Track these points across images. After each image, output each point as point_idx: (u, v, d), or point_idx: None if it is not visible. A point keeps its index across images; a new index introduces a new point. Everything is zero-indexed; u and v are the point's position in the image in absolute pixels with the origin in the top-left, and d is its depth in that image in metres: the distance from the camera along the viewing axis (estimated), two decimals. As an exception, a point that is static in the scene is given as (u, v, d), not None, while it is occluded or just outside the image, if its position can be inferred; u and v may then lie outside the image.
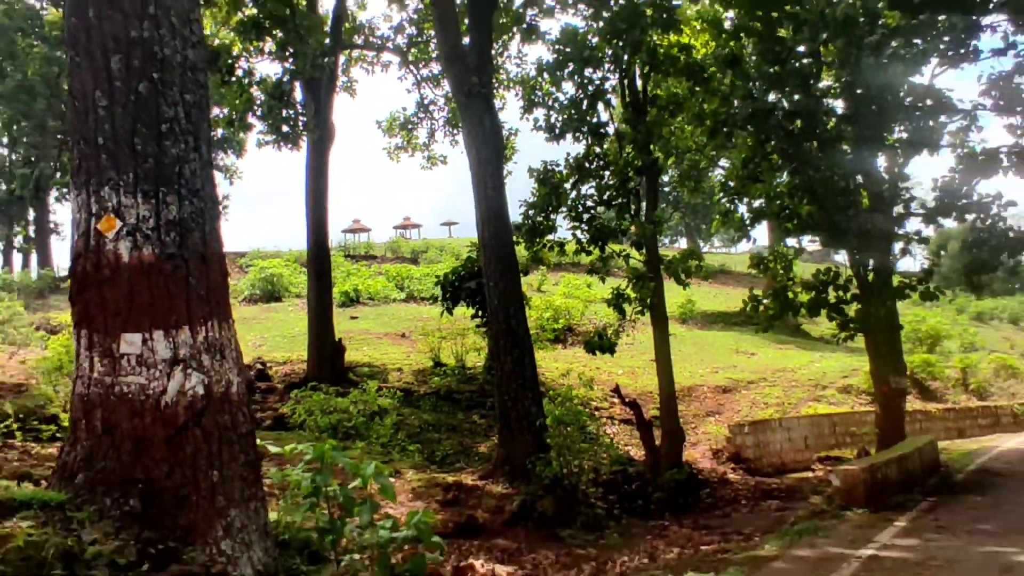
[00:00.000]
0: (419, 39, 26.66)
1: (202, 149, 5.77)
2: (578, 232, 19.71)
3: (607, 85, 20.31)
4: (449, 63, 18.39)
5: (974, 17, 17.28)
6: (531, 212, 19.46)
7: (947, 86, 17.89)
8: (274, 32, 22.17)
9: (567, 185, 19.61)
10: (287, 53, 21.92)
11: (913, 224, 19.13)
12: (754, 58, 18.45)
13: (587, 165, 19.66)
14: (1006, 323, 49.44)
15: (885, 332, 18.42)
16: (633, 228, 19.74)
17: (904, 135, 18.40)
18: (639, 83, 20.03)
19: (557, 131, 19.79)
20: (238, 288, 36.47)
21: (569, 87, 20.14)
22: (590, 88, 19.69)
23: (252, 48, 23.12)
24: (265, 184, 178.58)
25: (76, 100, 5.59)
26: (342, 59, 26.83)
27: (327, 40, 22.48)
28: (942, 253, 25.94)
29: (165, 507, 5.14)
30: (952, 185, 18.53)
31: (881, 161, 19.00)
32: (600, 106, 19.99)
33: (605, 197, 19.84)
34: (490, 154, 17.68)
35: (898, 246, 19.11)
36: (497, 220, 17.47)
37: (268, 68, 24.41)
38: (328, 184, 23.83)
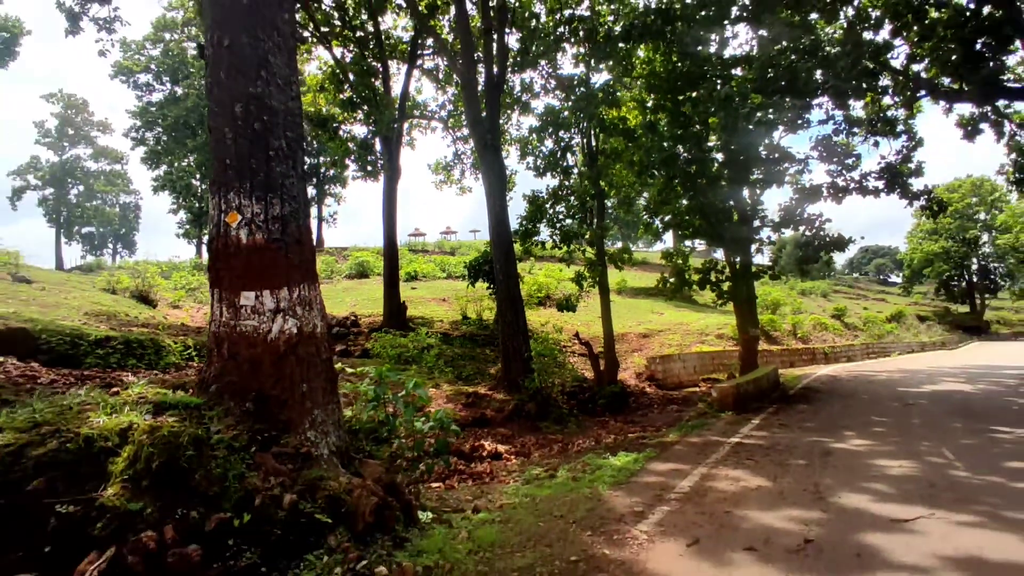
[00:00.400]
0: (455, 112, 26.00)
1: (298, 168, 5.28)
2: (553, 235, 19.16)
3: (573, 142, 19.69)
4: (473, 126, 17.83)
5: (807, 100, 16.73)
6: (524, 222, 19.00)
7: (789, 144, 17.44)
8: (362, 107, 21.66)
9: (547, 205, 19.06)
10: (371, 120, 21.42)
11: (765, 232, 18.74)
12: (666, 125, 17.84)
13: (560, 193, 19.12)
14: (819, 296, 49.05)
15: (746, 300, 18.06)
16: (588, 233, 19.25)
17: (760, 176, 17.87)
18: (593, 141, 19.49)
19: (541, 171, 19.23)
20: (341, 269, 36.01)
21: (549, 143, 19.59)
22: (562, 144, 19.17)
23: (349, 116, 22.55)
24: (360, 204, 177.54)
25: (213, 133, 5.12)
26: (406, 125, 26.23)
27: (396, 112, 21.84)
28: (782, 251, 25.52)
29: (271, 408, 4.73)
30: (791, 208, 18.09)
31: (746, 192, 18.48)
32: (568, 155, 19.38)
33: (571, 213, 19.33)
34: (497, 184, 17.18)
35: (754, 247, 18.71)
36: (501, 226, 16.99)
37: (359, 130, 23.77)
38: (396, 204, 23.28)
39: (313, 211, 48.12)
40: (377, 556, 4.14)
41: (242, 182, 4.88)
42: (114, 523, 3.53)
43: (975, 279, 56.22)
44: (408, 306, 23.20)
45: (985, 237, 54.76)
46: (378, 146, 23.43)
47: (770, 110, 16.07)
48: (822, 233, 17.75)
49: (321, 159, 36.13)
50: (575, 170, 19.81)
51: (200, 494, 3.86)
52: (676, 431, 11.07)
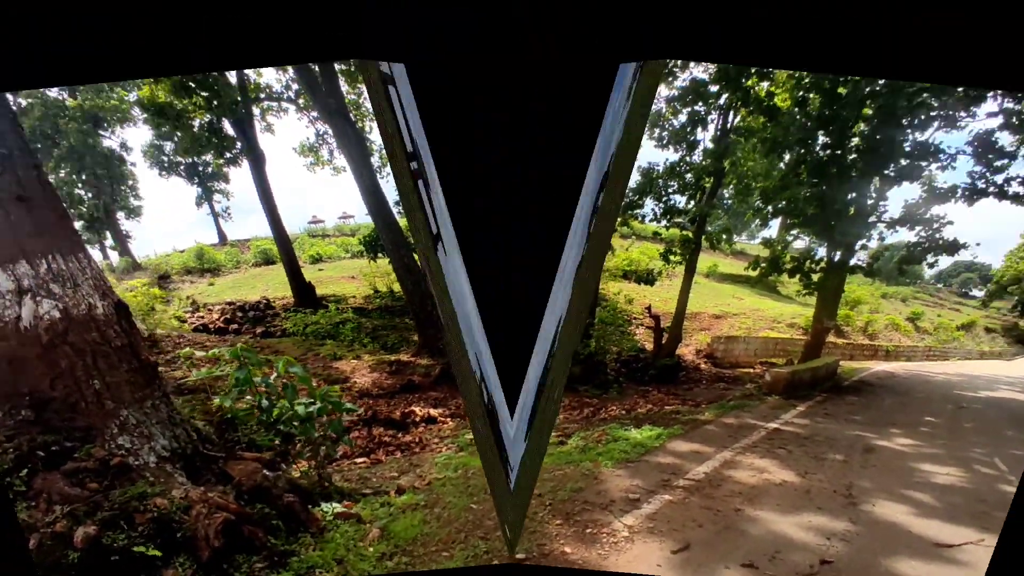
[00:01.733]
0: (305, 92, 23.79)
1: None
2: (655, 208, 18.72)
3: (709, 117, 18.52)
4: (310, 92, 16.97)
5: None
6: (630, 194, 18.26)
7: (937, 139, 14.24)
8: (199, 92, 19.74)
9: (659, 179, 18.23)
10: (212, 105, 20.28)
11: (878, 230, 17.25)
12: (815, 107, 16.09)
13: (677, 168, 18.34)
14: (898, 300, 45.31)
15: (832, 293, 17.79)
16: (694, 210, 18.83)
17: (894, 172, 15.57)
18: (730, 115, 18.68)
19: (665, 143, 18.56)
20: (247, 258, 36.30)
21: (683, 116, 18.39)
22: (697, 117, 17.97)
23: (189, 103, 20.43)
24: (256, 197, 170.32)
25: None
26: (257, 110, 24.87)
27: (238, 94, 20.79)
28: (884, 253, 22.85)
29: (58, 413, 3.83)
30: (914, 207, 16.48)
31: (872, 186, 16.73)
32: (699, 129, 18.40)
33: (681, 189, 18.43)
34: (358, 153, 16.22)
35: (859, 244, 17.56)
36: (374, 195, 16.18)
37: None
38: (271, 188, 21.76)
39: (206, 208, 47.78)
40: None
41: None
42: None
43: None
44: (318, 286, 23.98)
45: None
46: (231, 131, 22.37)
47: (936, 96, 14.59)
48: (937, 236, 16.44)
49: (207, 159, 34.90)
50: (701, 145, 19.44)
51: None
52: (714, 409, 10.66)
